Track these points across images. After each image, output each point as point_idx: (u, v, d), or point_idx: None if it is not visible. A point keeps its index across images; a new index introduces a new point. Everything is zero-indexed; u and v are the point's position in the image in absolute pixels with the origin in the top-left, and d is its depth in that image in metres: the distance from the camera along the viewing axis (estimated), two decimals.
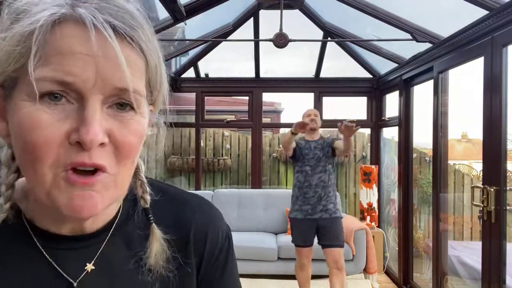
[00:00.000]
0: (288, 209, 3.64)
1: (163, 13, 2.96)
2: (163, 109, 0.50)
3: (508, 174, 2.18)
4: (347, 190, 5.36)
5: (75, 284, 0.45)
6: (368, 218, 4.13)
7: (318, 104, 4.26)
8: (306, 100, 4.42)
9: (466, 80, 3.53)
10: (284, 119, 10.12)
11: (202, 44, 3.87)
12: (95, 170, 0.39)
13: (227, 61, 4.67)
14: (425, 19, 2.81)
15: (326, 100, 4.37)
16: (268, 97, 5.66)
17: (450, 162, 4.70)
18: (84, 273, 0.45)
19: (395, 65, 3.66)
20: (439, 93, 2.87)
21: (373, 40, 3.40)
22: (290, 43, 2.96)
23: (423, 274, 3.72)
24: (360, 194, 4.26)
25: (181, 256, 0.50)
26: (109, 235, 0.47)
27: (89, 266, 0.46)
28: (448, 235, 3.27)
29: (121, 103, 0.40)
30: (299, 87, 4.42)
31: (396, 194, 3.82)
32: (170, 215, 0.52)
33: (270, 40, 2.98)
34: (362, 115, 4.43)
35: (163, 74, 0.46)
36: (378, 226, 4.17)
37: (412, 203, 3.66)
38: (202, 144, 5.19)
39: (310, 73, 4.36)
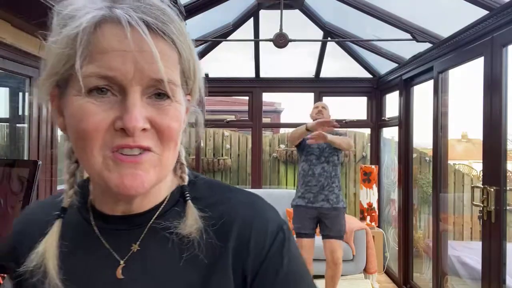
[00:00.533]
0: (288, 209, 3.64)
1: None
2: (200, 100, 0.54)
3: (508, 174, 2.18)
4: (347, 190, 5.36)
5: (121, 262, 0.48)
6: (368, 218, 4.13)
7: None
8: (306, 100, 4.42)
9: (466, 80, 3.53)
10: (284, 119, 10.12)
11: (202, 44, 3.86)
12: (140, 152, 0.44)
13: (227, 61, 4.66)
14: (425, 19, 2.81)
15: (326, 100, 4.37)
16: (268, 97, 5.66)
17: (450, 162, 4.70)
18: (130, 253, 0.49)
19: (395, 65, 3.66)
20: (439, 93, 2.87)
21: (373, 40, 3.40)
22: (290, 43, 2.96)
23: (423, 274, 3.72)
24: (360, 194, 4.26)
25: (218, 238, 0.49)
26: (154, 218, 0.50)
27: (135, 246, 0.49)
28: (448, 235, 3.27)
29: (158, 93, 0.44)
30: (299, 87, 4.42)
31: (396, 194, 3.82)
32: (213, 204, 0.51)
33: (270, 40, 2.98)
34: (362, 115, 4.43)
35: (196, 64, 0.49)
36: (378, 226, 4.17)
37: (412, 203, 3.66)
38: (202, 144, 5.19)
39: (310, 73, 4.36)
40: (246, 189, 0.56)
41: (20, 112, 2.57)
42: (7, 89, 2.60)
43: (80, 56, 0.42)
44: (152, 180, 0.45)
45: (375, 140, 4.37)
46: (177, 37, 0.45)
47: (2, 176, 0.58)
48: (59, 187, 2.74)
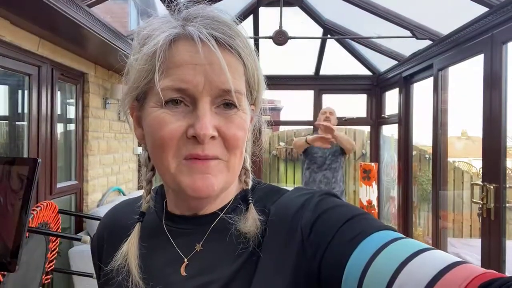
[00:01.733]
0: None
1: (163, 12, 2.95)
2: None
3: (507, 172, 2.18)
4: (347, 187, 5.37)
5: (185, 260, 0.52)
6: None
7: (318, 102, 4.26)
8: (306, 97, 4.42)
9: (466, 77, 3.52)
10: (283, 116, 10.12)
11: None
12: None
13: None
14: (425, 16, 2.81)
15: (326, 98, 4.37)
16: (267, 94, 5.65)
17: (450, 159, 4.70)
18: (193, 252, 0.52)
19: (395, 62, 3.65)
20: (439, 90, 2.86)
21: (372, 37, 3.39)
22: (290, 40, 2.95)
23: None
24: (360, 192, 4.26)
25: (270, 236, 0.50)
26: (216, 221, 0.54)
27: (198, 247, 0.53)
28: (447, 232, 3.28)
29: (226, 103, 0.48)
30: (299, 85, 4.41)
31: (396, 191, 3.83)
32: (266, 207, 0.54)
33: (269, 37, 2.98)
34: (362, 112, 4.43)
35: (260, 75, 0.54)
36: None
37: (412, 200, 3.66)
38: None
39: (310, 71, 4.35)
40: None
41: (20, 110, 2.57)
42: (7, 87, 2.59)
43: (158, 70, 0.46)
44: (220, 183, 0.49)
45: (375, 138, 4.37)
46: (243, 50, 0.49)
47: (1, 174, 0.58)
48: (59, 185, 2.75)
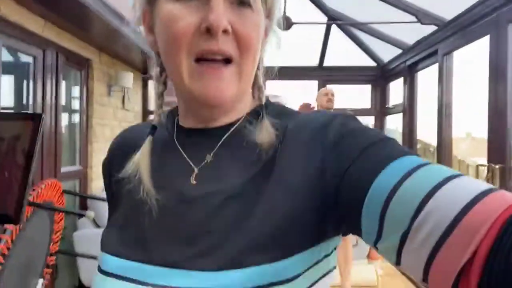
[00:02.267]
0: None
1: None
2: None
3: None
4: None
5: (196, 170, 0.52)
6: None
7: None
8: (309, 88, 4.41)
9: (471, 64, 3.50)
10: None
11: None
12: (222, 62, 0.47)
13: None
14: (430, 1, 2.79)
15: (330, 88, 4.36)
16: (270, 86, 5.66)
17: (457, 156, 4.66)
18: (204, 163, 0.52)
19: (399, 51, 3.64)
20: (444, 76, 2.85)
21: (376, 23, 3.38)
22: (293, 31, 2.95)
23: None
24: None
25: (285, 150, 0.49)
26: (229, 132, 0.53)
27: (209, 157, 0.52)
28: None
29: (239, 1, 0.47)
30: (302, 76, 4.40)
31: None
32: (280, 122, 0.52)
33: None
34: (367, 103, 4.42)
35: None
36: None
37: None
38: None
39: (314, 62, 4.34)
40: None
41: (25, 100, 2.58)
42: (12, 76, 2.61)
43: None
44: (233, 91, 0.48)
45: (379, 128, 4.36)
46: None
47: (4, 130, 0.55)
48: (63, 169, 2.76)
